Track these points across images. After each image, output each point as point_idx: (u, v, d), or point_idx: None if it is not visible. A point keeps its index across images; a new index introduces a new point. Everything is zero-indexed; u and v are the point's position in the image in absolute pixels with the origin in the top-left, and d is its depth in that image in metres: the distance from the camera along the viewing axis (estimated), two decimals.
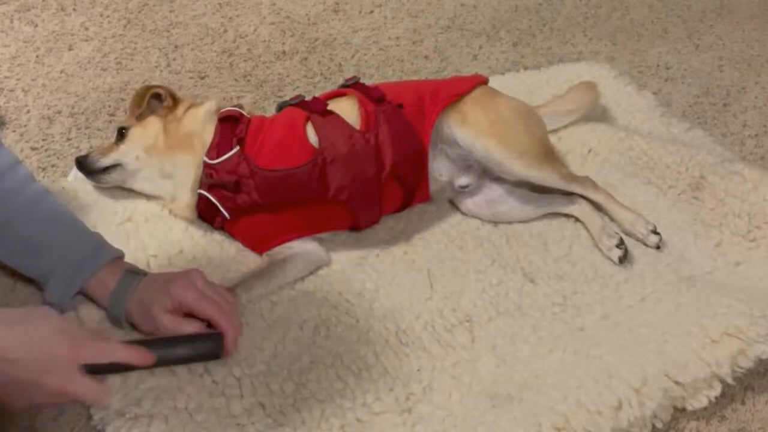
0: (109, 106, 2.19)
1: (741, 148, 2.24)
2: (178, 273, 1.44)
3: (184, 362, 1.40)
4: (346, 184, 1.66)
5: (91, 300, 1.49)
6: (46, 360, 1.10)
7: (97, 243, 1.52)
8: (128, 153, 1.75)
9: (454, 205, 1.92)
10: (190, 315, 1.40)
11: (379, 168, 1.69)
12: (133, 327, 1.46)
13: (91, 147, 2.01)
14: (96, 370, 1.17)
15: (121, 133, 1.78)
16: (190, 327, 1.39)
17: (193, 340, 1.38)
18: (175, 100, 1.81)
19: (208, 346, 1.38)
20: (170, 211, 1.75)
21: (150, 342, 1.34)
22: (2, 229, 1.46)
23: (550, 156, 1.86)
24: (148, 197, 1.78)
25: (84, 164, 1.76)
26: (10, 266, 1.52)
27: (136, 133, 1.76)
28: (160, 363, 1.30)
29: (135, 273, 1.48)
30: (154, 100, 1.81)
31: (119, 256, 1.52)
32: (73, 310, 1.49)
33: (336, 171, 1.65)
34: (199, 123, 1.74)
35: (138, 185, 1.78)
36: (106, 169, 1.75)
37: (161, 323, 1.38)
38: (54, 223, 1.52)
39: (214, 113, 1.77)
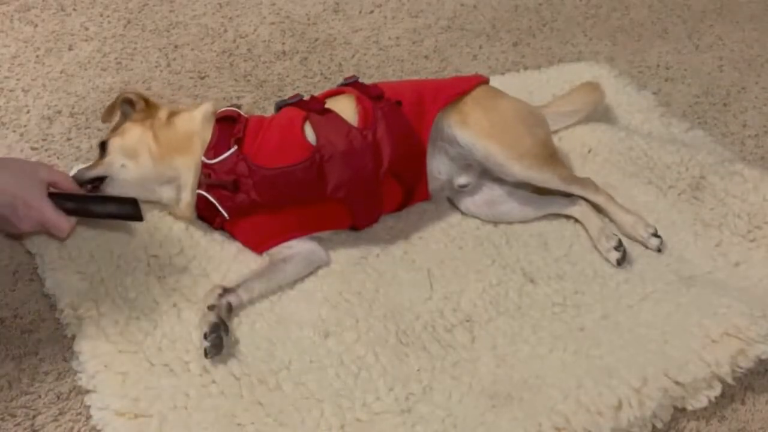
0: None
1: (741, 148, 2.24)
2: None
3: (107, 216, 1.62)
4: (344, 181, 1.66)
5: None
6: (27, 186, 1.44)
7: None
8: (112, 164, 1.69)
9: (453, 205, 1.92)
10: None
11: (377, 165, 1.69)
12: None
13: (90, 147, 2.02)
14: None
15: (102, 148, 1.73)
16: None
17: (113, 199, 1.62)
18: (149, 104, 1.77)
19: (127, 206, 1.57)
20: (169, 212, 1.75)
21: (75, 196, 1.57)
22: None
23: (551, 158, 1.85)
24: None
25: (75, 178, 1.67)
26: None
27: (115, 144, 1.71)
28: (87, 213, 1.57)
29: None
30: (127, 106, 1.78)
31: None
32: None
33: (334, 168, 1.65)
34: (197, 125, 1.73)
35: (135, 194, 1.66)
36: (94, 182, 1.68)
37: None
38: None
39: (211, 114, 1.76)
